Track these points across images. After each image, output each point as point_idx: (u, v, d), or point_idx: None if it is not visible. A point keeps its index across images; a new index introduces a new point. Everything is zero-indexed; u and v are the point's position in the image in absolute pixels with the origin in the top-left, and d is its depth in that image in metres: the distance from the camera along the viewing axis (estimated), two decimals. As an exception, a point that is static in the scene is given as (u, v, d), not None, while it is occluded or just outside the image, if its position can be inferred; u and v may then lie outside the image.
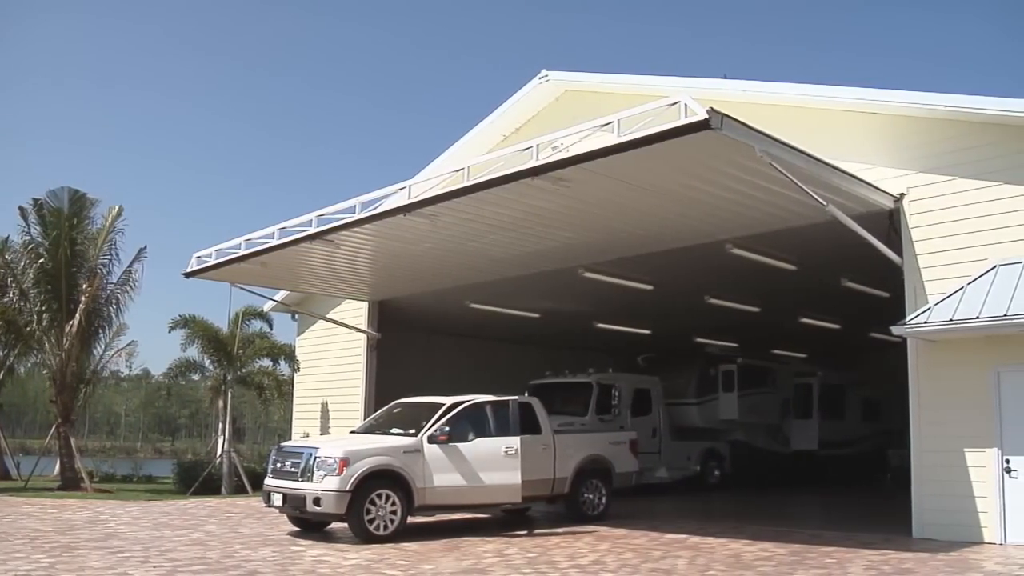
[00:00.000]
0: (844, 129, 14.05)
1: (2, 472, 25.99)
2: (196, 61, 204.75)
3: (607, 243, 15.52)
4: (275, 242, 15.39)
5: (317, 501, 12.36)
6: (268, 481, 13.46)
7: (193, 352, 23.94)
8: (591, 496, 15.37)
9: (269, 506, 13.48)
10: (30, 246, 22.71)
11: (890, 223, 13.35)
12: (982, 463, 12.16)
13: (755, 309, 21.28)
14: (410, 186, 13.39)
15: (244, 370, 24.13)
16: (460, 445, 13.36)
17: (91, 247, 23.24)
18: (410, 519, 13.09)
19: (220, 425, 25.60)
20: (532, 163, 11.28)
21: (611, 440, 16.52)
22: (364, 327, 21.89)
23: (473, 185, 12.11)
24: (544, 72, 18.17)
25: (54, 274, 22.35)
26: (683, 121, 9.59)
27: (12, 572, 9.38)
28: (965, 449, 12.32)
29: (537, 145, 11.37)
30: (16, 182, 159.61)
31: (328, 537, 13.00)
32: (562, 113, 17.23)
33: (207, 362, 24.22)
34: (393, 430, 13.95)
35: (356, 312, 22.18)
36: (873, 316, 16.59)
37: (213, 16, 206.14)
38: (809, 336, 25.60)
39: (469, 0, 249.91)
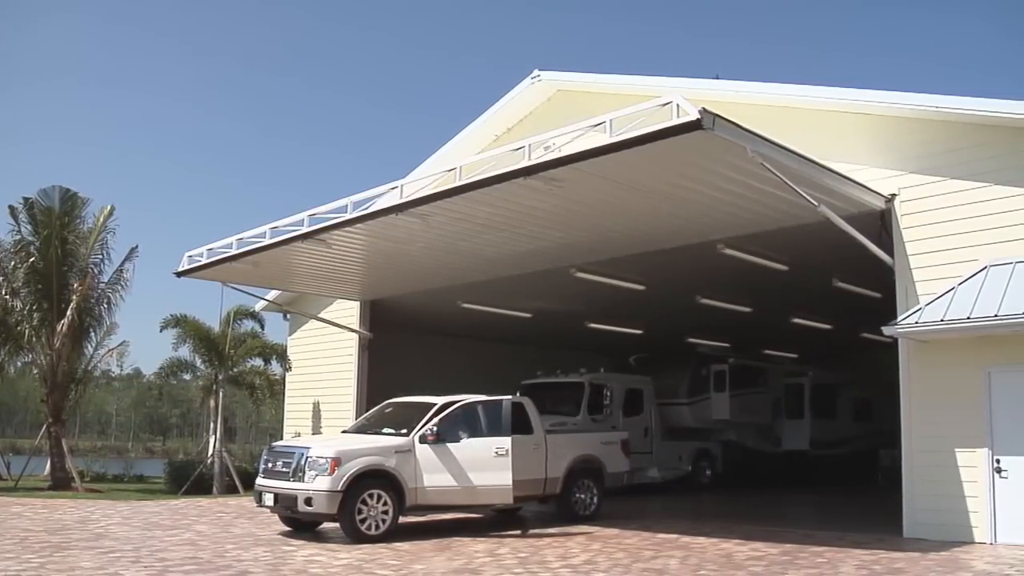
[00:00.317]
0: (836, 130, 14.07)
1: (-8, 472, 25.89)
2: (190, 61, 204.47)
3: (599, 243, 15.53)
4: (267, 242, 15.36)
5: (308, 501, 12.34)
6: (259, 481, 13.43)
7: (184, 352, 23.90)
8: (583, 496, 15.39)
9: (260, 506, 13.45)
10: (21, 245, 22.61)
11: (881, 223, 13.38)
12: (973, 463, 12.20)
13: (747, 309, 21.31)
14: (402, 186, 13.37)
15: (236, 370, 24.07)
16: (451, 445, 13.34)
17: (82, 246, 23.15)
18: (402, 519, 13.09)
19: (211, 425, 25.53)
20: (524, 163, 11.27)
21: (603, 440, 16.55)
22: (356, 327, 21.87)
23: (465, 185, 12.11)
24: (536, 72, 18.15)
25: (45, 273, 22.26)
26: (675, 121, 9.59)
27: (2, 572, 9.35)
28: (956, 449, 12.36)
29: (529, 145, 11.36)
30: (8, 182, 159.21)
31: (319, 537, 12.98)
32: (554, 113, 17.22)
33: (198, 362, 24.17)
34: (385, 430, 13.93)
35: (348, 312, 22.16)
36: (864, 316, 16.63)
37: (207, 16, 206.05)
38: (801, 336, 25.65)
39: (468, 0, 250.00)
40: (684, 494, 21.85)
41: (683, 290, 19.51)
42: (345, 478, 12.34)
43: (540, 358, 23.70)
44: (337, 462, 12.38)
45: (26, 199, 22.73)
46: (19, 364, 26.08)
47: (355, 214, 13.84)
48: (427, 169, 17.90)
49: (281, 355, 24.30)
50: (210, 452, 23.34)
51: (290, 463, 12.80)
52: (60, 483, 21.71)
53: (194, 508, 17.16)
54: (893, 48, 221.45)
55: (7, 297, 22.58)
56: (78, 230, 23.22)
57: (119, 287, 23.58)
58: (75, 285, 22.46)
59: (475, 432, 13.60)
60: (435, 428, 13.37)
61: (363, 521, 12.45)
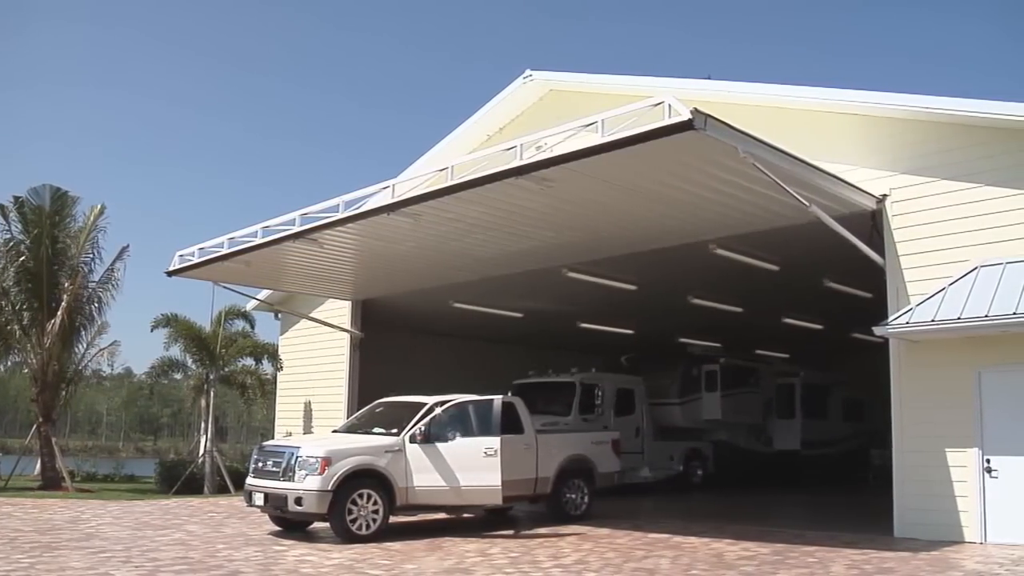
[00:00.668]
0: (827, 130, 14.09)
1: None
2: (183, 61, 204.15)
3: (591, 243, 15.53)
4: (258, 241, 15.32)
5: (299, 501, 12.31)
6: (250, 480, 13.40)
7: (176, 351, 23.97)
8: (573, 496, 15.38)
9: (250, 505, 13.42)
10: (11, 244, 22.53)
11: (872, 224, 13.41)
12: (963, 463, 12.23)
13: (738, 309, 21.33)
14: (394, 185, 13.36)
15: (227, 369, 24.07)
16: (441, 445, 13.32)
17: (73, 245, 23.10)
18: (392, 519, 13.07)
19: (202, 424, 25.56)
20: (516, 163, 11.25)
21: (593, 440, 16.53)
22: (347, 326, 21.84)
23: (457, 184, 12.09)
24: (528, 72, 18.13)
25: (35, 272, 22.19)
26: (667, 121, 9.59)
27: (-9, 572, 9.32)
28: (946, 449, 12.38)
29: (521, 145, 11.35)
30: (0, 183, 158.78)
31: (310, 537, 12.95)
32: (546, 113, 17.21)
33: (190, 361, 24.21)
34: (375, 429, 13.91)
35: (339, 311, 22.12)
36: (856, 316, 16.68)
37: (204, 17, 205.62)
38: (792, 336, 25.67)
39: (466, 1, 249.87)
40: (675, 494, 21.86)
41: (675, 290, 19.52)
42: (335, 478, 12.31)
43: (532, 358, 23.68)
44: (327, 462, 12.36)
45: (16, 198, 22.68)
46: (9, 363, 26.07)
47: (347, 213, 13.80)
48: (419, 169, 17.84)
49: (272, 355, 24.27)
50: (201, 452, 23.33)
51: (280, 463, 12.77)
52: (50, 483, 21.66)
53: (185, 508, 17.12)
54: (893, 49, 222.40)
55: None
56: (69, 229, 23.18)
57: (110, 286, 23.61)
58: (66, 284, 22.43)
59: (465, 432, 13.58)
60: (425, 428, 13.37)
61: (353, 521, 12.42)
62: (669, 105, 9.62)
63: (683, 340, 25.65)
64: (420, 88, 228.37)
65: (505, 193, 12.40)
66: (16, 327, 22.11)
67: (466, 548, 11.87)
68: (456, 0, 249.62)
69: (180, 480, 21.55)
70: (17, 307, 22.18)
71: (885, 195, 13.31)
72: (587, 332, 24.35)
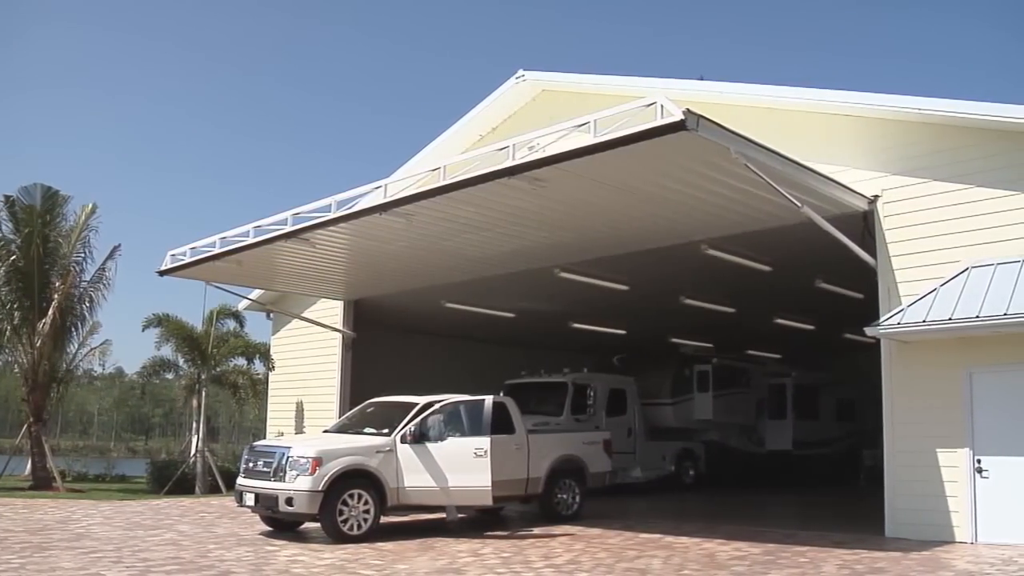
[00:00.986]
0: (819, 131, 14.12)
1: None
2: (179, 61, 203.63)
3: (583, 243, 15.53)
4: (250, 241, 15.29)
5: (289, 501, 12.30)
6: (240, 480, 13.38)
7: (167, 351, 23.79)
8: (565, 496, 15.36)
9: (241, 506, 13.40)
10: (2, 243, 22.43)
11: (864, 225, 13.43)
12: (954, 463, 12.26)
13: (730, 310, 21.36)
14: (386, 185, 13.34)
15: (218, 369, 23.97)
16: (432, 445, 13.32)
17: (64, 244, 23.02)
18: (384, 519, 13.06)
19: (194, 424, 25.41)
20: (508, 163, 11.26)
21: (585, 440, 16.51)
22: (339, 326, 21.81)
23: (449, 184, 12.08)
24: (521, 72, 18.12)
25: (26, 271, 22.09)
26: (659, 122, 9.59)
27: (-20, 573, 9.29)
28: (937, 449, 12.41)
29: (513, 145, 11.35)
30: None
31: (302, 537, 12.94)
32: (539, 113, 17.22)
33: (181, 361, 24.07)
34: (366, 429, 13.91)
35: (331, 311, 22.09)
36: (847, 317, 16.68)
37: (194, 18, 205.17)
38: (784, 337, 25.71)
39: (458, 1, 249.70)
40: (667, 494, 21.87)
41: (667, 290, 19.52)
42: (326, 478, 12.31)
43: (524, 358, 23.72)
44: (318, 462, 12.35)
45: (7, 197, 22.58)
46: (0, 363, 25.93)
47: (339, 213, 13.79)
48: (411, 169, 17.85)
49: (264, 354, 24.20)
50: (192, 452, 23.24)
51: (271, 463, 12.75)
52: (41, 483, 21.56)
53: (176, 508, 17.08)
54: (893, 49, 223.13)
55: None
56: (60, 228, 23.09)
57: (101, 286, 23.50)
58: (57, 284, 22.33)
59: (456, 432, 13.58)
60: (416, 428, 13.36)
61: (344, 521, 12.42)
62: (661, 105, 9.62)
63: (675, 340, 25.69)
64: (412, 88, 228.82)
65: (497, 193, 12.40)
66: (7, 326, 22.02)
67: (458, 548, 11.86)
68: (449, 1, 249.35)
69: (171, 480, 21.49)
70: (8, 306, 22.08)
71: (876, 196, 13.33)
72: (579, 332, 24.33)
